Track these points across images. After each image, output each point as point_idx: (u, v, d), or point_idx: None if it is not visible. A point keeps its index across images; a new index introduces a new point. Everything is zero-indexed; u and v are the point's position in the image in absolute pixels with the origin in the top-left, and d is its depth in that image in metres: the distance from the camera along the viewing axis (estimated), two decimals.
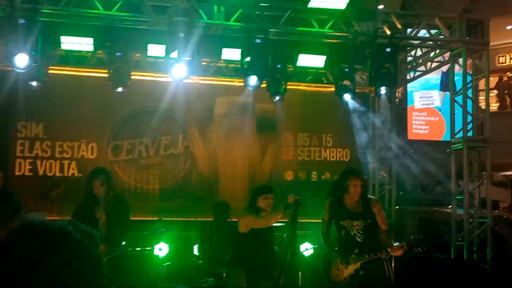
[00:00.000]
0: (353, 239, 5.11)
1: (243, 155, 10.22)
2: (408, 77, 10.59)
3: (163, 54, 7.74)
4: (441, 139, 13.91)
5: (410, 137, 14.24)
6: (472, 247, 7.80)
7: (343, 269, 5.08)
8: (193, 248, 8.36)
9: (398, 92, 13.97)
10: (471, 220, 8.06)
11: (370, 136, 10.74)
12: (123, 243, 5.37)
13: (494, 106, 15.70)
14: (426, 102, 14.16)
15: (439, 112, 14.28)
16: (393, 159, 10.82)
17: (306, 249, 9.58)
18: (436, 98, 13.85)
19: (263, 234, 5.32)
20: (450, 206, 8.83)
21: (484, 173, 8.09)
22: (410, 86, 13.97)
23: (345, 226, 5.13)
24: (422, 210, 11.02)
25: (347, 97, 9.04)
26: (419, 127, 14.47)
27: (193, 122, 10.04)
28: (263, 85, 9.05)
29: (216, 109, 10.13)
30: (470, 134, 8.19)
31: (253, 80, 7.62)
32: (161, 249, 7.77)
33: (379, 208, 5.24)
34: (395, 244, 5.03)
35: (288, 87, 9.14)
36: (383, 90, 7.66)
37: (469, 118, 8.20)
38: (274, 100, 8.83)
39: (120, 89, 8.33)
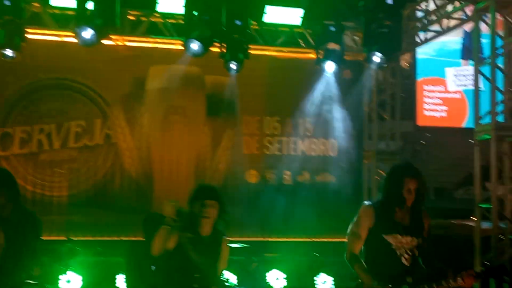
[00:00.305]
0: (399, 261, 5.14)
1: (188, 148, 10.20)
2: (417, 40, 10.69)
3: (72, 3, 7.64)
4: (464, 126, 14.16)
5: (420, 122, 14.45)
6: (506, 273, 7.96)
7: None
8: (115, 280, 8.27)
9: (404, 60, 14.10)
10: (501, 236, 8.20)
11: (365, 122, 10.83)
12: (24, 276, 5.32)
13: None
14: (465, 82, 14.12)
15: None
16: (397, 153, 10.95)
17: (277, 279, 9.64)
18: None
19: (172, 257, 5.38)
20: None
21: None
22: (420, 53, 14.13)
23: (389, 243, 5.15)
24: (438, 224, 11.16)
25: (330, 67, 9.06)
26: (434, 108, 14.64)
27: (116, 101, 9.94)
28: (215, 50, 8.99)
29: (149, 82, 10.06)
30: (500, 119, 8.32)
31: (196, 44, 7.60)
32: (70, 281, 7.69)
33: (429, 223, 5.33)
34: (468, 272, 5.04)
35: (251, 52, 9.08)
36: (377, 57, 7.71)
37: (499, 97, 8.32)
38: (230, 71, 8.77)
39: (9, 53, 8.19)
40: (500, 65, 8.41)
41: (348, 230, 5.34)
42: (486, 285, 7.69)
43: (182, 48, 8.58)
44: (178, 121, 10.16)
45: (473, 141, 8.52)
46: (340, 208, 10.32)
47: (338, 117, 10.57)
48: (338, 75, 9.91)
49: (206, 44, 8.17)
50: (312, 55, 9.87)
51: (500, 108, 8.31)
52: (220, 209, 5.27)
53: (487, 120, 8.31)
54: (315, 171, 10.64)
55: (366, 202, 5.37)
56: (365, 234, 5.15)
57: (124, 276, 8.01)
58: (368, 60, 8.02)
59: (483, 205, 8.27)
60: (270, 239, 10.26)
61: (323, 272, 9.96)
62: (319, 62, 9.52)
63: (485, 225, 8.26)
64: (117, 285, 8.14)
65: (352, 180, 10.74)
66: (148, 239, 7.72)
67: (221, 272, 5.34)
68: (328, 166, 10.67)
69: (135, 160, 10.02)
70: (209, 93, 10.25)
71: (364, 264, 5.20)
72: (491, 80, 8.29)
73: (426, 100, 14.64)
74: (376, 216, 5.14)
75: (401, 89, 11.31)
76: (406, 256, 5.11)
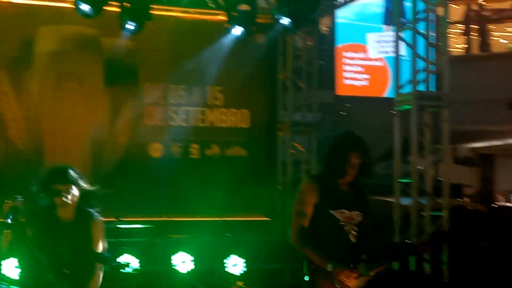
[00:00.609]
0: (347, 238, 5.18)
1: (83, 119, 9.99)
2: (336, 2, 10.65)
3: None
4: (386, 95, 14.28)
5: (340, 92, 14.52)
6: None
7: (349, 282, 5.10)
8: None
9: (323, 24, 14.10)
10: (421, 212, 8.28)
11: (280, 91, 10.75)
12: None
13: (458, 48, 16.35)
14: (387, 49, 14.16)
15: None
16: (314, 125, 10.93)
17: (183, 262, 9.53)
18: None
19: None
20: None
21: (440, 145, 8.30)
22: (340, 17, 14.14)
23: (337, 219, 5.19)
24: None
25: (241, 30, 8.94)
26: (354, 76, 14.72)
27: (0, 65, 9.63)
28: (110, 9, 8.75)
29: (38, 45, 9.76)
30: (421, 88, 8.35)
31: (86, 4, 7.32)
32: None
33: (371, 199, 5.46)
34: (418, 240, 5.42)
35: (154, 13, 8.92)
36: (287, 20, 7.59)
37: (421, 65, 8.35)
38: (127, 33, 8.69)
39: None
40: (422, 31, 8.42)
41: (293, 209, 5.28)
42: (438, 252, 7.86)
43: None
44: (72, 89, 9.90)
45: (394, 112, 8.54)
46: (252, 184, 10.32)
47: (250, 85, 10.46)
48: (249, 39, 9.81)
49: (98, 3, 7.87)
50: (222, 17, 9.70)
51: (421, 76, 8.33)
52: (81, 191, 5.16)
53: (407, 89, 8.34)
54: (225, 144, 10.55)
55: (307, 178, 5.59)
56: (310, 212, 5.17)
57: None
58: (280, 23, 7.87)
59: (403, 180, 8.30)
60: (175, 219, 10.16)
61: (234, 254, 9.93)
62: (229, 25, 9.38)
63: (406, 201, 8.31)
64: None
65: (265, 154, 10.72)
66: None
67: (101, 256, 5.18)
68: (239, 138, 10.59)
69: (23, 131, 9.72)
70: (107, 58, 10.00)
71: (309, 239, 5.15)
72: (412, 46, 8.31)
73: (346, 68, 14.70)
74: (320, 191, 5.18)
75: (319, 56, 11.27)
76: (353, 232, 5.16)
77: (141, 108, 10.31)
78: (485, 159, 20.13)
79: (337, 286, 5.04)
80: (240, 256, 10.00)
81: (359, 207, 5.24)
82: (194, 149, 10.48)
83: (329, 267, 5.03)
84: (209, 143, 10.53)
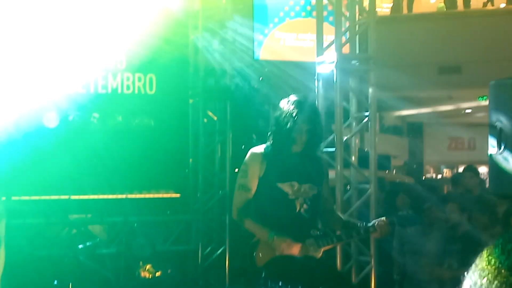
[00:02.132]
0: (298, 213, 5.27)
1: None
2: None
3: None
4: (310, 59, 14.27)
5: (263, 55, 14.42)
6: None
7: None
8: None
9: None
10: (346, 186, 8.33)
11: (190, 52, 10.59)
12: None
13: (385, 7, 16.48)
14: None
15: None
16: (229, 91, 10.83)
17: (83, 245, 9.39)
18: None
19: None
20: None
21: (366, 113, 8.35)
22: None
23: (286, 193, 5.23)
24: None
25: None
26: (274, 38, 14.64)
27: None
28: None
29: None
30: (345, 50, 8.37)
31: None
32: None
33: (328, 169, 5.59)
34: (379, 220, 5.36)
35: None
36: None
37: (343, 25, 8.35)
38: None
39: None
40: None
41: (236, 183, 5.23)
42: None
43: None
44: None
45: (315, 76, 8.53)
46: (160, 157, 10.17)
47: (158, 47, 10.25)
48: None
49: None
50: None
51: (345, 37, 8.34)
52: None
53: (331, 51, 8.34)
54: (130, 112, 10.33)
55: (253, 148, 5.45)
56: (255, 185, 5.25)
57: None
58: None
59: (327, 149, 8.29)
60: (73, 197, 9.94)
61: (141, 235, 9.85)
62: None
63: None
64: None
65: (175, 123, 10.56)
66: None
67: None
68: (145, 106, 10.40)
69: None
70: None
71: (253, 218, 5.26)
72: (335, 5, 8.29)
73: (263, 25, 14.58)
74: (267, 163, 5.24)
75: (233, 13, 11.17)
76: (305, 206, 5.26)
77: None
78: (414, 128, 20.53)
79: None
80: (147, 237, 9.90)
81: (313, 179, 5.30)
82: (95, 118, 10.25)
83: (269, 239, 5.12)
84: (112, 112, 10.31)
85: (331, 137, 8.36)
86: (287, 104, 5.43)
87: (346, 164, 8.33)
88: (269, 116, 15.91)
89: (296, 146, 5.31)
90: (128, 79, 10.40)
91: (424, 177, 18.58)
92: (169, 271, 9.98)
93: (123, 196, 10.07)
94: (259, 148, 5.44)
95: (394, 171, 16.19)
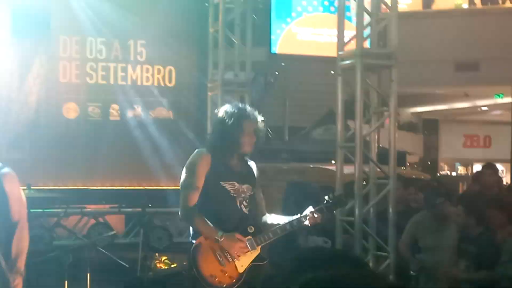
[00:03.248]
0: (239, 209, 5.51)
1: None
2: None
3: None
4: (328, 54, 14.27)
5: (280, 49, 14.47)
6: (366, 224, 8.09)
7: (240, 259, 5.42)
8: None
9: None
10: (364, 182, 8.32)
11: (210, 47, 10.62)
12: None
13: (403, 3, 16.43)
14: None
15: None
16: (247, 85, 10.86)
17: (99, 234, 9.46)
18: None
19: None
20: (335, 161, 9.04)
21: (385, 108, 8.34)
22: None
23: (228, 191, 5.51)
24: (292, 168, 11.30)
25: None
26: (291, 32, 14.67)
27: None
28: None
29: None
30: (367, 45, 8.36)
31: None
32: None
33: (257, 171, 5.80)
34: (311, 210, 5.60)
35: None
36: None
37: (367, 20, 8.33)
38: None
39: None
40: None
41: (181, 182, 5.45)
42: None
43: None
44: None
45: (334, 72, 8.52)
46: (179, 149, 10.24)
47: (177, 39, 10.38)
48: None
49: None
50: None
51: (367, 32, 8.33)
52: None
53: (353, 46, 8.32)
54: (149, 104, 10.47)
55: (199, 149, 5.68)
56: (201, 184, 5.42)
57: None
58: None
59: (346, 144, 8.29)
60: (92, 187, 10.05)
61: (160, 226, 9.95)
62: None
63: (348, 169, 8.33)
64: None
65: (193, 116, 10.64)
66: None
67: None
68: (164, 99, 10.51)
69: None
70: (15, 8, 9.87)
71: (203, 216, 5.41)
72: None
73: (281, 19, 14.61)
74: (213, 162, 5.48)
75: (254, 9, 11.17)
76: (245, 203, 5.54)
77: (54, 63, 10.20)
78: (429, 125, 20.49)
79: (219, 258, 5.37)
80: (164, 229, 9.98)
81: (249, 180, 5.60)
82: (114, 110, 10.40)
83: (218, 236, 5.33)
84: (131, 104, 10.44)
85: (350, 133, 8.38)
86: (235, 110, 5.67)
87: (365, 160, 8.32)
88: (285, 111, 16.02)
89: (237, 150, 5.59)
90: (147, 71, 10.50)
91: (438, 174, 18.56)
92: (184, 263, 10.03)
93: (141, 187, 10.16)
94: (204, 149, 5.66)
95: (408, 167, 16.19)
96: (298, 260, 1.52)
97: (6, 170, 5.13)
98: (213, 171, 5.48)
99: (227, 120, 5.59)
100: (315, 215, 5.60)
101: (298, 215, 5.68)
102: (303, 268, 1.48)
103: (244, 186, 5.58)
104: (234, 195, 5.52)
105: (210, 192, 5.47)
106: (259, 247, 5.50)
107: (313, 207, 5.66)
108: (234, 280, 5.42)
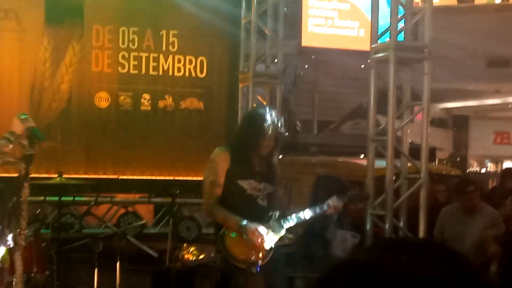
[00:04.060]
0: (256, 203, 5.73)
1: (22, 63, 9.88)
2: None
3: None
4: (358, 47, 14.20)
5: (305, 42, 14.39)
6: (397, 218, 8.06)
7: (265, 240, 5.62)
8: None
9: None
10: (395, 177, 8.28)
11: (242, 39, 10.61)
12: None
13: None
14: None
15: None
16: (277, 77, 10.85)
17: (130, 223, 9.50)
18: None
19: None
20: (364, 156, 8.99)
21: (419, 102, 8.29)
22: None
23: (244, 189, 5.71)
24: (321, 162, 11.26)
25: None
26: (323, 22, 14.57)
27: None
28: None
29: None
30: (401, 38, 8.31)
31: None
32: None
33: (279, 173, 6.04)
34: (333, 199, 5.93)
35: None
36: None
37: (401, 12, 8.29)
38: None
39: None
40: None
41: (204, 178, 5.71)
42: None
43: None
44: (8, 29, 9.75)
45: (364, 66, 8.49)
46: (209, 140, 10.26)
47: (210, 30, 10.40)
48: None
49: None
50: None
51: (401, 24, 8.28)
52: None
53: (386, 38, 8.28)
54: (180, 95, 10.47)
55: (219, 147, 5.98)
56: (222, 180, 5.68)
57: None
58: None
59: (378, 138, 8.25)
60: (123, 177, 10.09)
61: (188, 217, 9.94)
62: None
63: (379, 163, 8.30)
64: None
65: (224, 107, 10.66)
66: None
67: None
68: (196, 89, 10.52)
69: None
70: None
71: (225, 209, 5.68)
72: None
73: (313, 12, 14.53)
74: (232, 160, 5.71)
75: (285, 1, 11.14)
76: (264, 200, 5.79)
77: (87, 52, 10.20)
78: (459, 121, 20.35)
79: (245, 238, 5.58)
80: (194, 220, 9.99)
81: (269, 179, 5.82)
82: (145, 100, 10.39)
83: (241, 226, 5.56)
84: (163, 94, 10.45)
85: (381, 127, 8.34)
86: (258, 114, 5.90)
87: (396, 154, 8.28)
88: (314, 104, 15.99)
89: (259, 150, 5.76)
90: (179, 61, 10.52)
91: (468, 170, 18.43)
92: (212, 254, 10.05)
93: (171, 177, 10.18)
94: (224, 148, 5.88)
95: (437, 163, 16.11)
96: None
97: None
98: (232, 169, 5.69)
99: (251, 122, 5.87)
100: (337, 203, 5.90)
101: (319, 205, 5.96)
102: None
103: (263, 184, 5.77)
104: (251, 192, 5.72)
105: (228, 189, 5.68)
106: (284, 229, 5.74)
107: (336, 197, 5.95)
108: (260, 258, 5.63)
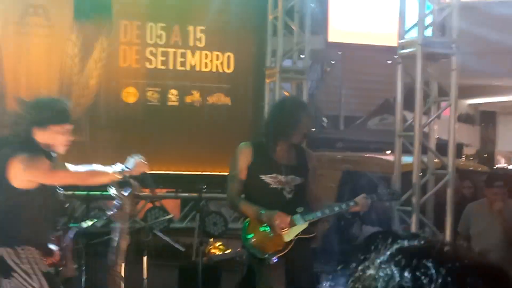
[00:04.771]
0: (281, 195, 5.72)
1: (50, 59, 9.87)
2: None
3: None
4: (384, 43, 14.15)
5: (332, 38, 14.37)
6: (423, 214, 8.03)
7: (287, 229, 5.63)
8: None
9: None
10: (422, 173, 8.26)
11: (269, 34, 10.60)
12: None
13: None
14: None
15: None
16: (304, 73, 10.83)
17: (156, 218, 9.53)
18: None
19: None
20: (390, 152, 8.97)
21: (446, 98, 8.25)
22: None
23: (268, 183, 5.71)
24: (347, 157, 11.26)
25: None
26: (350, 18, 14.54)
27: None
28: None
29: None
30: (428, 33, 8.28)
31: None
32: None
33: (315, 165, 5.98)
34: (362, 196, 5.88)
35: None
36: None
37: (428, 7, 8.25)
38: None
39: None
40: None
41: (228, 174, 5.76)
42: None
43: None
44: (37, 25, 9.75)
45: (391, 62, 8.46)
46: (236, 135, 10.25)
47: (237, 25, 10.42)
48: None
49: None
50: None
51: (429, 20, 8.25)
52: None
53: (413, 34, 8.25)
54: (207, 90, 10.48)
55: (242, 143, 5.98)
56: (244, 175, 5.73)
57: None
58: None
59: (404, 133, 8.23)
60: (149, 172, 10.07)
61: (214, 212, 9.97)
62: None
63: (406, 159, 8.28)
64: None
65: (251, 102, 10.67)
66: None
67: None
68: (223, 84, 10.55)
69: None
70: None
71: (247, 201, 5.74)
72: None
73: (340, 8, 14.52)
74: (254, 155, 5.74)
75: None
76: (289, 193, 5.76)
77: (115, 47, 10.21)
78: (487, 117, 20.24)
79: (269, 233, 5.61)
80: (220, 215, 10.02)
81: (297, 171, 5.77)
82: (173, 95, 10.41)
83: (261, 215, 5.58)
84: (190, 89, 10.46)
85: (408, 123, 8.32)
86: (291, 102, 6.05)
87: (423, 150, 8.25)
88: (340, 100, 15.96)
89: (289, 140, 5.75)
90: (206, 57, 10.52)
91: (495, 166, 18.32)
92: (238, 249, 10.07)
93: (198, 172, 10.20)
94: (247, 143, 5.92)
95: (464, 159, 16.03)
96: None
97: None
98: (254, 164, 5.72)
99: (282, 110, 5.84)
100: (364, 201, 5.83)
101: (346, 202, 5.95)
102: None
103: (289, 177, 5.74)
104: (275, 186, 5.71)
105: (251, 184, 5.74)
106: (307, 222, 5.70)
107: (365, 195, 5.89)
108: (280, 248, 5.64)
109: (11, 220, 4.95)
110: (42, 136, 5.06)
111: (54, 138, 5.10)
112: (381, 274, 1.29)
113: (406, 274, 1.26)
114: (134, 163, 5.12)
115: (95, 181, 5.25)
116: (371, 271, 1.31)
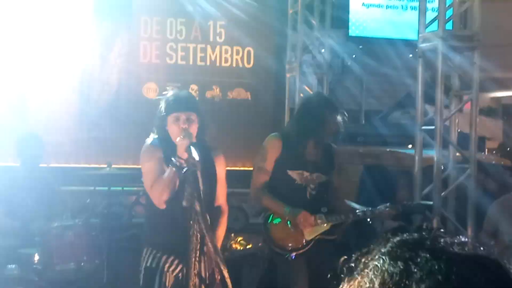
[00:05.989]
0: (305, 193, 5.72)
1: (70, 55, 9.92)
2: None
3: None
4: (406, 36, 14.10)
5: (353, 32, 14.32)
6: (445, 208, 8.00)
7: (310, 228, 5.64)
8: None
9: None
10: (443, 167, 8.22)
11: (289, 29, 10.60)
12: None
13: None
14: None
15: None
16: (324, 67, 10.81)
17: None
18: None
19: None
20: (411, 146, 8.94)
21: (468, 91, 8.21)
22: None
23: (293, 179, 5.67)
24: (368, 152, 11.22)
25: None
26: (371, 11, 14.48)
27: None
28: None
29: None
30: (449, 27, 8.23)
31: None
32: None
33: (340, 162, 6.11)
34: (386, 205, 5.89)
35: None
36: None
37: (449, 1, 8.21)
38: None
39: None
40: None
41: (254, 163, 5.67)
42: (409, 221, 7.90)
43: None
44: (58, 20, 9.80)
45: (412, 55, 8.43)
46: (257, 130, 10.27)
47: (257, 20, 10.40)
48: None
49: None
50: None
51: (449, 13, 8.20)
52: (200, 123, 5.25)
53: (433, 27, 8.20)
54: (228, 85, 10.52)
55: (273, 133, 5.95)
56: (271, 168, 5.71)
57: None
58: None
59: (426, 127, 8.19)
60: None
61: (234, 208, 9.96)
62: None
63: (427, 153, 8.24)
64: None
65: (271, 97, 10.67)
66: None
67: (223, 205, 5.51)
68: (243, 79, 10.57)
69: None
70: None
71: (271, 195, 5.72)
72: None
73: (360, 1, 14.46)
74: (284, 148, 5.69)
75: None
76: (312, 190, 5.76)
77: (135, 43, 10.27)
78: (509, 110, 20.12)
79: (288, 224, 5.63)
80: (241, 210, 10.03)
81: (324, 169, 5.78)
82: (193, 91, 10.41)
83: (285, 212, 5.60)
84: (210, 84, 10.51)
85: (428, 116, 8.28)
86: (319, 99, 5.94)
87: (444, 144, 8.21)
88: (361, 94, 15.91)
89: (317, 137, 5.73)
90: (226, 52, 10.53)
91: None
92: (260, 244, 10.08)
93: None
94: (278, 135, 5.86)
95: (487, 153, 15.94)
96: None
97: (218, 152, 5.18)
98: (283, 158, 5.69)
99: (310, 109, 5.77)
100: (388, 211, 5.88)
101: (371, 208, 5.90)
102: None
103: (315, 175, 5.73)
104: (301, 183, 5.70)
105: (277, 178, 5.70)
106: (329, 224, 5.69)
107: (390, 205, 5.93)
108: (300, 245, 5.66)
109: None
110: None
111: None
112: (376, 264, 1.28)
113: (401, 265, 1.25)
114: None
115: None
116: (369, 262, 1.31)
